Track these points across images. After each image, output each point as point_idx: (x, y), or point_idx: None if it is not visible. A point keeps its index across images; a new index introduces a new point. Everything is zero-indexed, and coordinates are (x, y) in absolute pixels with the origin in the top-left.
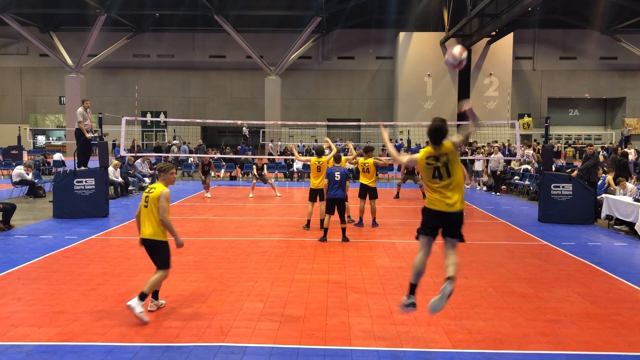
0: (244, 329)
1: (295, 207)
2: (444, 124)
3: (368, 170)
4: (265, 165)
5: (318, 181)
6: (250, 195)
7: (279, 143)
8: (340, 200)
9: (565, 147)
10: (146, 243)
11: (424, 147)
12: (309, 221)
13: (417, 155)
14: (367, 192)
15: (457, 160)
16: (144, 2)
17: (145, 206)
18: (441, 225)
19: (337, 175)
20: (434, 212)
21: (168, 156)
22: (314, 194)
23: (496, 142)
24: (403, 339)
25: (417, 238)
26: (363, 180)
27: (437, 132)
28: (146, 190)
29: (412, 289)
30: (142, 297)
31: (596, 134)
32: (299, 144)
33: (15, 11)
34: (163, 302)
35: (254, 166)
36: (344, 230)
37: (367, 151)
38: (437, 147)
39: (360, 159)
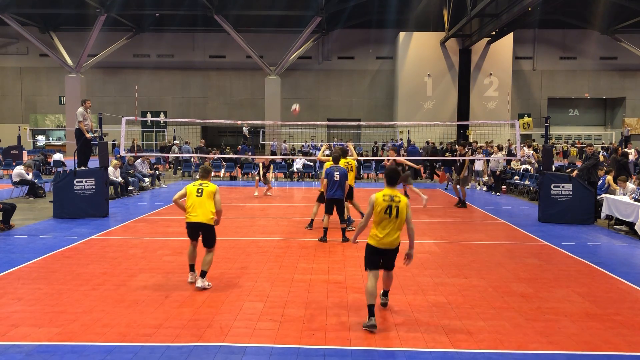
0: (244, 329)
1: (295, 207)
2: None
3: (352, 169)
4: (272, 165)
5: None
6: (256, 193)
7: (283, 144)
8: (339, 201)
9: (570, 147)
10: (198, 226)
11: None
12: (312, 221)
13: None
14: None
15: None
16: (144, 2)
17: (199, 196)
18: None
19: (337, 176)
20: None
21: (168, 156)
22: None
23: (492, 142)
24: (403, 339)
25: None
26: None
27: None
28: (197, 184)
29: (371, 310)
30: (203, 274)
31: (596, 134)
32: (303, 144)
33: (15, 11)
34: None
35: (261, 164)
36: (343, 230)
37: (344, 154)
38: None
39: (343, 160)
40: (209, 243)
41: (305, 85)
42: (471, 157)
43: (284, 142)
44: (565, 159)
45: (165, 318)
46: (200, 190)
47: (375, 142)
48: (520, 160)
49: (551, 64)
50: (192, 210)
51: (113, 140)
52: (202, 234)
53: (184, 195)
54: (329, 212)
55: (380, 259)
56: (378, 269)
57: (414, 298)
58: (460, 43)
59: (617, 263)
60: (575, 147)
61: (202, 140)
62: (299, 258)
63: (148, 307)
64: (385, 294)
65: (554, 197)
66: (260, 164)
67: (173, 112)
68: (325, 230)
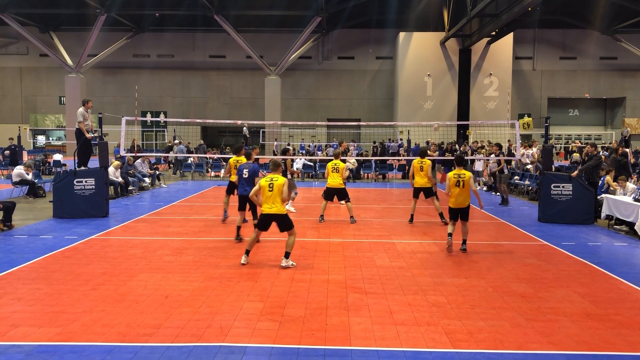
0: (244, 329)
1: (295, 207)
2: None
3: (338, 170)
4: (293, 163)
5: (336, 181)
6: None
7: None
8: (248, 198)
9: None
10: (272, 217)
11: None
12: (322, 215)
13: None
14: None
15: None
16: (144, 2)
17: (270, 191)
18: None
19: (245, 173)
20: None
21: (168, 156)
22: (330, 193)
23: (490, 142)
24: (403, 339)
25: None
26: (337, 180)
27: None
28: (267, 179)
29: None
30: (287, 255)
31: (596, 134)
32: (301, 143)
33: (15, 11)
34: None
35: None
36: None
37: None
38: None
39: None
40: (287, 227)
41: (305, 85)
42: (471, 157)
43: (275, 139)
44: (568, 159)
45: (165, 318)
46: (271, 185)
47: (374, 142)
48: (520, 160)
49: (551, 64)
50: (265, 204)
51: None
52: (277, 223)
53: (258, 191)
54: (241, 208)
55: (458, 214)
56: (456, 221)
57: (414, 298)
58: (460, 43)
59: (617, 263)
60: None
61: (202, 141)
62: (298, 258)
63: (148, 307)
64: (464, 242)
65: (554, 197)
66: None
67: (173, 112)
68: (238, 228)
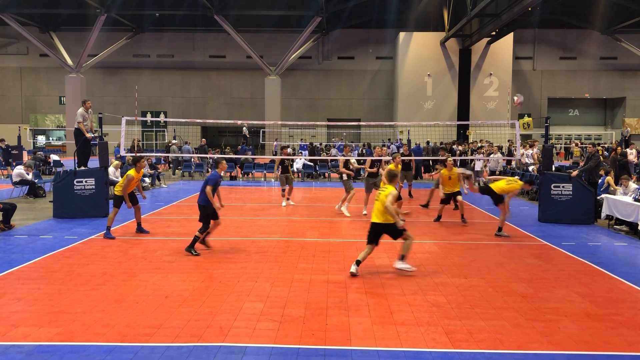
0: (244, 329)
1: (295, 207)
2: None
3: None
4: (293, 162)
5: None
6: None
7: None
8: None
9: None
10: (380, 226)
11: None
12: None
13: None
14: None
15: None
16: (144, 2)
17: (376, 200)
18: None
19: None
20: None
21: (168, 156)
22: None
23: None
24: (403, 339)
25: None
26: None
27: None
28: (382, 188)
29: None
30: (402, 257)
31: (596, 134)
32: (301, 143)
33: (15, 11)
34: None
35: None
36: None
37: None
38: None
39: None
40: (398, 235)
41: (305, 85)
42: (471, 157)
43: (275, 139)
44: (569, 159)
45: (165, 318)
46: (378, 195)
47: (364, 144)
48: (520, 160)
49: (551, 64)
50: (374, 213)
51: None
52: (387, 232)
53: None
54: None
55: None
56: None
57: (414, 298)
58: (460, 43)
59: (617, 263)
60: (579, 147)
61: (203, 140)
62: (298, 258)
63: (148, 307)
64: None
65: (554, 197)
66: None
67: (173, 112)
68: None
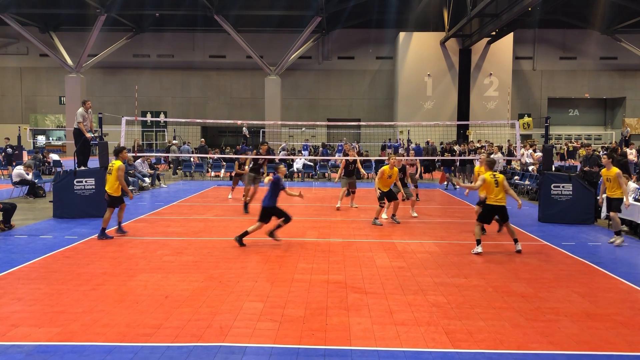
0: (244, 329)
1: (295, 207)
2: None
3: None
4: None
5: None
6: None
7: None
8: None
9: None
10: (498, 207)
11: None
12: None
13: None
14: None
15: None
16: (144, 2)
17: (497, 186)
18: None
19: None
20: None
21: (168, 156)
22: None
23: (487, 142)
24: (403, 339)
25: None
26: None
27: None
28: (490, 175)
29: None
30: (479, 242)
31: (596, 134)
32: (305, 144)
33: (15, 11)
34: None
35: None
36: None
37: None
38: None
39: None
40: (506, 218)
41: (305, 85)
42: (470, 158)
43: (285, 143)
44: (570, 160)
45: (165, 318)
46: (496, 181)
47: (353, 143)
48: (520, 160)
49: (551, 64)
50: (490, 196)
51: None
52: (498, 214)
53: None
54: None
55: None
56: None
57: (414, 298)
58: (460, 43)
59: (617, 263)
60: (576, 146)
61: (202, 140)
62: (298, 258)
63: (148, 307)
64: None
65: (554, 197)
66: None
67: (173, 112)
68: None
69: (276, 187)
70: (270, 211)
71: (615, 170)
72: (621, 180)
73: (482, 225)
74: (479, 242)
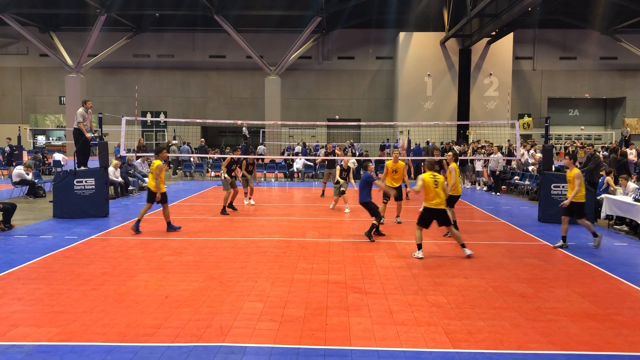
0: (244, 329)
1: (295, 207)
2: None
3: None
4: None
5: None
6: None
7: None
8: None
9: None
10: (437, 210)
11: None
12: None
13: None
14: None
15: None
16: (144, 2)
17: (436, 187)
18: None
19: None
20: None
21: (168, 156)
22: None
23: (487, 142)
24: (403, 339)
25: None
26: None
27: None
28: (430, 175)
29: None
30: (463, 245)
31: (596, 134)
32: (316, 144)
33: (15, 11)
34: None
35: (339, 167)
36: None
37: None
38: None
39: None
40: (447, 222)
41: (305, 85)
42: (471, 157)
43: (299, 144)
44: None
45: (165, 318)
46: (436, 182)
47: (347, 143)
48: (520, 160)
49: (551, 64)
50: (432, 199)
51: (117, 146)
52: (435, 217)
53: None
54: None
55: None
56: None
57: (414, 298)
58: (460, 43)
59: (617, 263)
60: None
61: (202, 140)
62: (298, 258)
63: (148, 307)
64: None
65: (554, 197)
66: (339, 166)
67: (173, 112)
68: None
69: (367, 184)
70: (369, 205)
71: (575, 170)
72: (577, 182)
73: (422, 229)
74: (419, 246)
